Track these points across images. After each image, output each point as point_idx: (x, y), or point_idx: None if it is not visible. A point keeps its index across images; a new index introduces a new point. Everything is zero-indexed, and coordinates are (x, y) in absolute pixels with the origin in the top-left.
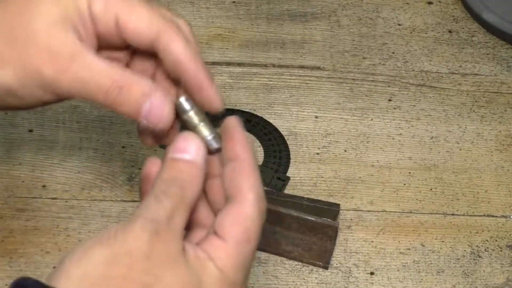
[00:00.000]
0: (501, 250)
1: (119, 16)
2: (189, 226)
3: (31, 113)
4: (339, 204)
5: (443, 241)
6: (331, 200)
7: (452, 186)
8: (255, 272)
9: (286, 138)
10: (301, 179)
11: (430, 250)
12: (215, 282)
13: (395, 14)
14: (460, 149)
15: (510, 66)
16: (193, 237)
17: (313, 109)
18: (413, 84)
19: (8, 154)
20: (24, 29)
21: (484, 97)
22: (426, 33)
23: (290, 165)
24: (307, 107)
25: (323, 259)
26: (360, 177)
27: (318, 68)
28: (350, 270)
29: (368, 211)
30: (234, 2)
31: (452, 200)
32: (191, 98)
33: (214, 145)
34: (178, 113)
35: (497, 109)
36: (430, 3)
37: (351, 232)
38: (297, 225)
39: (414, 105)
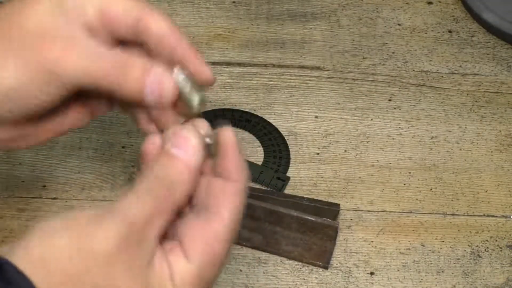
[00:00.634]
0: (501, 250)
1: (101, 7)
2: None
3: None
4: (339, 204)
5: (443, 241)
6: (331, 200)
7: (452, 186)
8: (255, 272)
9: (286, 138)
10: (301, 179)
11: (430, 250)
12: None
13: (395, 14)
14: (460, 149)
15: (510, 66)
16: (166, 244)
17: (313, 109)
18: (413, 84)
19: (8, 154)
20: (19, 25)
21: (484, 97)
22: (426, 33)
23: (290, 165)
24: (307, 107)
25: (323, 259)
26: (360, 177)
27: (318, 68)
28: (350, 270)
29: (368, 211)
30: (234, 2)
31: (452, 200)
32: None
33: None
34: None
35: (497, 109)
36: (430, 3)
37: (351, 232)
38: (297, 225)
39: (414, 105)
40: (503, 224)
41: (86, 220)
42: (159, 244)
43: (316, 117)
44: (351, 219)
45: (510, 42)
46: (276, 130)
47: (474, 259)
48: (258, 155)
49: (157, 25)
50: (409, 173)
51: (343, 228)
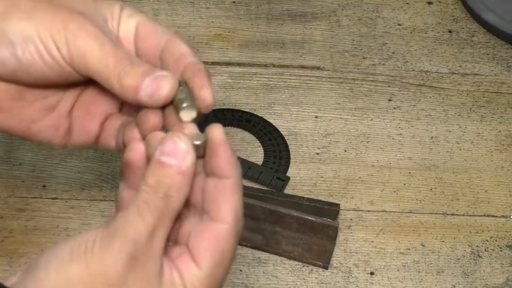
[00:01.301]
0: (501, 250)
1: (138, 24)
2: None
3: None
4: (339, 204)
5: (443, 241)
6: (331, 200)
7: (452, 186)
8: (255, 272)
9: (286, 138)
10: (301, 179)
11: (430, 250)
12: None
13: (395, 14)
14: (460, 149)
15: (510, 66)
16: (172, 252)
17: (313, 109)
18: (413, 84)
19: (8, 154)
20: None
21: (484, 97)
22: (426, 33)
23: (290, 165)
24: (307, 107)
25: (323, 259)
26: (360, 177)
27: (318, 68)
28: (350, 270)
29: (368, 211)
30: (234, 2)
31: (452, 200)
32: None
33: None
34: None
35: (497, 109)
36: (430, 3)
37: (351, 232)
38: (297, 225)
39: (414, 105)
40: (503, 224)
41: (91, 246)
42: (164, 251)
43: (316, 117)
44: (351, 219)
45: (510, 42)
46: (276, 130)
47: (474, 259)
48: (258, 155)
49: (180, 46)
50: (409, 173)
51: (343, 228)
